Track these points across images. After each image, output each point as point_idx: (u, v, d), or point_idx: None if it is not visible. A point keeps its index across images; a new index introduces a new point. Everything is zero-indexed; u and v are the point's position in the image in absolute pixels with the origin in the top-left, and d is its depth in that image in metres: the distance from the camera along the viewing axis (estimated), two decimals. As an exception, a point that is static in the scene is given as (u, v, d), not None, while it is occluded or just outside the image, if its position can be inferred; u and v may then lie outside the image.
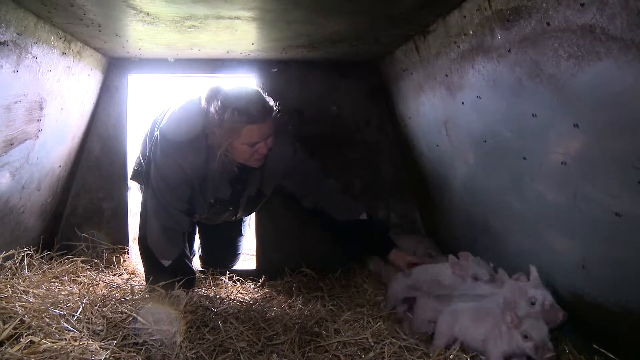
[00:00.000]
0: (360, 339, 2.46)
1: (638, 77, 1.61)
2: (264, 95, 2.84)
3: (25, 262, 3.06)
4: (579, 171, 2.12)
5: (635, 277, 2.03)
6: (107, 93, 4.08)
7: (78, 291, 2.79)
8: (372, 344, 2.41)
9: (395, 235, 3.70)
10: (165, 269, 2.97)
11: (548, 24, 1.94)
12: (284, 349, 2.38)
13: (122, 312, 2.51)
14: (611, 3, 1.59)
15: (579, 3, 1.74)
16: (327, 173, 3.53)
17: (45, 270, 3.13)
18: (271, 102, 2.83)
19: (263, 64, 3.97)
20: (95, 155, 4.12)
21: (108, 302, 2.62)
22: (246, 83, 3.00)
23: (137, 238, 3.16)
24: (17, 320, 2.22)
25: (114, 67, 4.05)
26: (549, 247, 2.55)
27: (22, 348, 2.05)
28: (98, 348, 2.17)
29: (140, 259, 3.16)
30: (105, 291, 2.85)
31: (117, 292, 2.80)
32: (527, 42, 2.11)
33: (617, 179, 1.90)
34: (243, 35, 3.14)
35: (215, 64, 3.94)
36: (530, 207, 2.61)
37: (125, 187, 4.10)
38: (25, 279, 2.83)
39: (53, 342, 2.14)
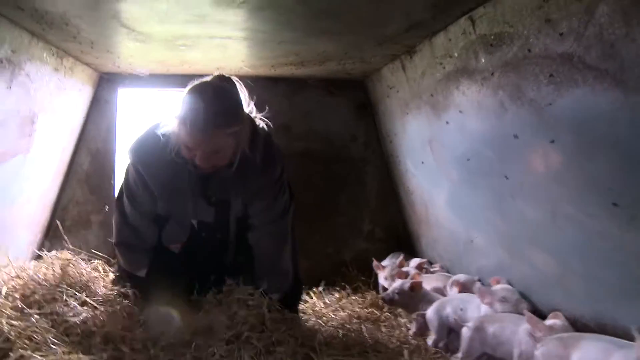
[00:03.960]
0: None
1: (612, 104, 1.71)
2: (222, 105, 2.39)
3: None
4: (558, 191, 2.21)
5: (609, 293, 2.12)
6: (97, 107, 4.12)
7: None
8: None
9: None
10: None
11: (529, 50, 2.04)
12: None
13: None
14: (587, 35, 1.69)
15: (558, 32, 1.84)
16: (294, 238, 2.92)
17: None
18: (228, 117, 2.38)
19: (252, 81, 4.04)
20: (84, 169, 4.15)
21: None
22: (221, 86, 2.56)
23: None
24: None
25: (105, 81, 4.09)
26: (528, 262, 2.64)
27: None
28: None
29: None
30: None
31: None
32: (509, 67, 2.20)
33: (593, 199, 1.99)
34: (234, 53, 3.22)
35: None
36: (511, 224, 2.70)
37: (111, 201, 4.13)
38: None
39: (43, 356, 2.16)
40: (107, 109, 4.14)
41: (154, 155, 2.56)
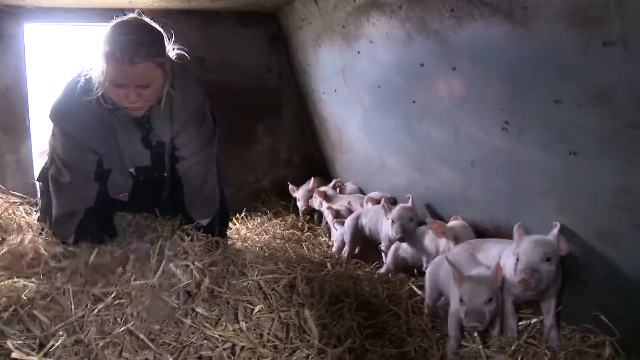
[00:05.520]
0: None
1: (503, 36, 1.97)
2: (148, 35, 2.36)
3: None
4: (459, 113, 2.49)
5: (502, 200, 2.47)
6: (1, 43, 3.95)
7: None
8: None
9: None
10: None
11: (433, -14, 2.25)
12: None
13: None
14: (482, -27, 1.92)
15: (457, -30, 2.06)
16: (218, 164, 2.99)
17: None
18: (156, 47, 2.36)
19: (166, 13, 4.03)
20: (-6, 108, 4.03)
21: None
22: (144, 20, 2.52)
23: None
24: None
25: (7, 15, 3.91)
26: (435, 178, 2.95)
27: None
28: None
29: None
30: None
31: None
32: (415, 1, 2.42)
33: (489, 120, 2.28)
34: (147, -14, 3.21)
35: (116, 14, 3.93)
36: (419, 144, 2.99)
37: (28, 142, 4.06)
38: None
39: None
40: (13, 44, 3.97)
41: (79, 111, 2.47)
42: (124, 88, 2.32)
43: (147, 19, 2.49)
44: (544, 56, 1.86)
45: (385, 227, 3.05)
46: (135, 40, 2.27)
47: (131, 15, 2.46)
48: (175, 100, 2.59)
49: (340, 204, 3.74)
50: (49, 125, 2.68)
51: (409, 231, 2.86)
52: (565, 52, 1.75)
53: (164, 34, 2.46)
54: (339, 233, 3.49)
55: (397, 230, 2.85)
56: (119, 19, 2.40)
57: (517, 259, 1.99)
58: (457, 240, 2.57)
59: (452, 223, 2.68)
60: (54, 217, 2.64)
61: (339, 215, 3.60)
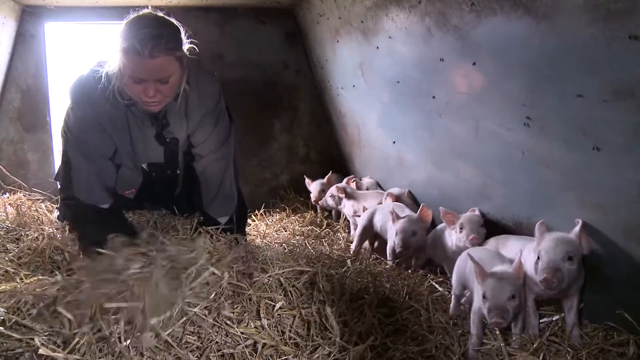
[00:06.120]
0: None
1: (524, 30, 1.95)
2: (166, 29, 2.35)
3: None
4: (480, 108, 2.47)
5: (524, 197, 2.45)
6: (23, 42, 4.02)
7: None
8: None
9: None
10: (99, 217, 2.58)
11: (453, -20, 2.23)
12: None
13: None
14: (504, -32, 1.90)
15: (478, -35, 2.04)
16: (235, 162, 2.96)
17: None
18: (174, 40, 2.36)
19: (183, 11, 4.05)
20: (16, 106, 4.09)
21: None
22: (160, 15, 2.50)
23: (60, 199, 2.88)
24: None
25: (28, 14, 3.98)
26: (455, 174, 2.93)
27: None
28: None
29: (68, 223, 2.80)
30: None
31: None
32: (435, -4, 2.40)
33: (510, 114, 2.26)
34: (165, -16, 3.23)
35: (134, 11, 3.96)
36: (438, 140, 2.98)
37: (49, 140, 4.11)
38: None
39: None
40: (34, 43, 4.05)
41: (97, 97, 2.46)
42: (142, 83, 2.32)
43: (162, 14, 2.46)
44: (567, 50, 1.83)
45: (392, 231, 3.01)
46: (154, 34, 2.26)
47: (146, 10, 2.44)
48: (191, 97, 2.60)
49: (370, 202, 3.68)
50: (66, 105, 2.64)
51: (410, 246, 2.87)
52: (588, 47, 1.72)
53: (181, 28, 2.45)
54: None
55: (398, 244, 2.86)
56: (135, 14, 2.39)
57: (539, 257, 1.97)
58: (461, 229, 2.60)
59: (464, 214, 2.69)
60: (79, 181, 2.58)
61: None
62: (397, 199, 3.34)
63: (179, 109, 2.59)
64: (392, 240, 2.96)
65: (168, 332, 1.78)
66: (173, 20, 2.44)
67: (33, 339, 1.65)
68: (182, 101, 2.56)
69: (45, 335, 1.70)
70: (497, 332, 2.06)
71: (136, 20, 2.33)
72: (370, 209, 3.42)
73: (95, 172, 2.59)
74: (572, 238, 1.98)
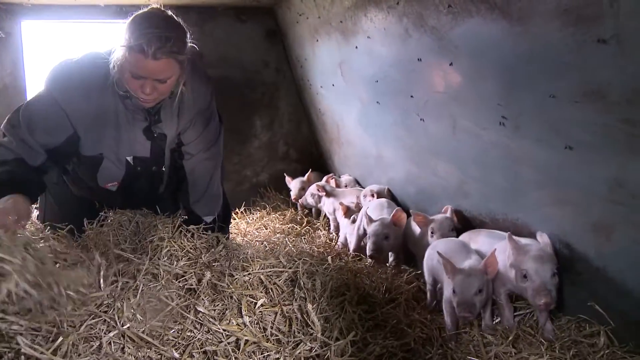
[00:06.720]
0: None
1: (499, 32, 2.01)
2: (174, 31, 2.31)
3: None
4: (457, 108, 2.53)
5: (499, 194, 2.51)
6: (-1, 40, 3.98)
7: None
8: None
9: None
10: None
11: (430, -18, 2.28)
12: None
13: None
14: (479, -29, 1.95)
15: (454, -32, 2.08)
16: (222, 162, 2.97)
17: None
18: (179, 44, 2.32)
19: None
20: (-8, 105, 4.04)
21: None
22: (169, 14, 2.46)
23: None
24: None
25: (5, 12, 3.93)
26: (433, 172, 2.99)
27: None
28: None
29: None
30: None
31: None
32: (412, -3, 2.44)
33: (486, 114, 2.32)
34: (145, -17, 3.23)
35: (114, 11, 3.96)
36: (416, 138, 3.03)
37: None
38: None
39: None
40: (10, 42, 4.00)
41: (82, 84, 2.42)
42: (141, 79, 2.31)
43: (171, 13, 2.40)
44: (539, 53, 1.90)
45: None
46: (162, 35, 2.23)
47: (155, 6, 2.38)
48: (185, 96, 2.59)
49: (349, 200, 3.73)
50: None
51: (381, 250, 2.91)
52: (559, 49, 1.79)
53: (187, 31, 2.41)
54: (351, 227, 3.45)
55: (370, 247, 2.91)
56: (146, 10, 2.34)
57: (525, 276, 2.05)
58: (432, 233, 2.70)
59: (436, 216, 2.77)
60: None
61: (349, 211, 3.60)
62: (378, 196, 3.39)
63: (173, 106, 2.59)
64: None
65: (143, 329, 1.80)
66: (181, 21, 2.41)
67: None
68: (177, 99, 2.55)
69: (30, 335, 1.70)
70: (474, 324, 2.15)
71: (146, 18, 2.30)
72: (363, 210, 3.37)
73: (20, 151, 2.43)
74: (552, 253, 2.09)
